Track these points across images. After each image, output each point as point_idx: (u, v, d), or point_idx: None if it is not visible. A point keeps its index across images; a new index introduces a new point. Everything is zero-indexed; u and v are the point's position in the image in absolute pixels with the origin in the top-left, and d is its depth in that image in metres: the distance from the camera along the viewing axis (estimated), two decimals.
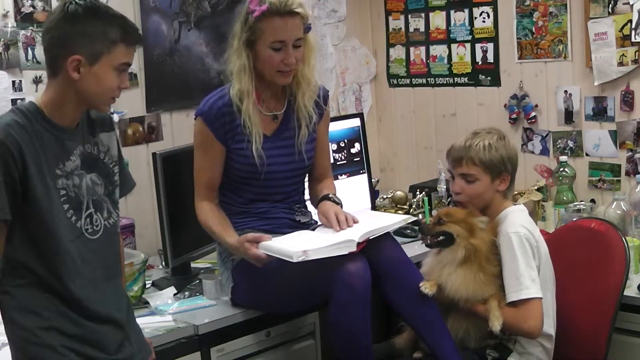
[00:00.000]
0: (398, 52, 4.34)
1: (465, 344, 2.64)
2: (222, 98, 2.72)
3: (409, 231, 3.38)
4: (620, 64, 3.47)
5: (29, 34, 3.10)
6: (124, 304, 2.21)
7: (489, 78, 3.99)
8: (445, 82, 4.17)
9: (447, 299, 2.58)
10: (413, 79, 4.30)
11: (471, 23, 4.02)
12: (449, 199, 3.69)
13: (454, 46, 4.11)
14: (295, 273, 2.51)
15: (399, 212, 3.72)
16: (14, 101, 3.00)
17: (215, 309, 2.79)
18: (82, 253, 2.07)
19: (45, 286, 2.03)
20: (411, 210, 3.77)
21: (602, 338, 2.71)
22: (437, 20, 4.15)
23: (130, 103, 3.33)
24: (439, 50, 4.17)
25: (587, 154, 3.69)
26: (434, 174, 3.91)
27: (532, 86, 3.83)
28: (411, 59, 4.29)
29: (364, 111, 4.28)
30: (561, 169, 3.63)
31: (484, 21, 3.98)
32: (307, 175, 2.92)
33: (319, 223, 2.78)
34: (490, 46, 3.98)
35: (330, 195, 2.78)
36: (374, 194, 3.88)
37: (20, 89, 3.08)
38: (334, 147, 3.67)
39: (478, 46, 4.02)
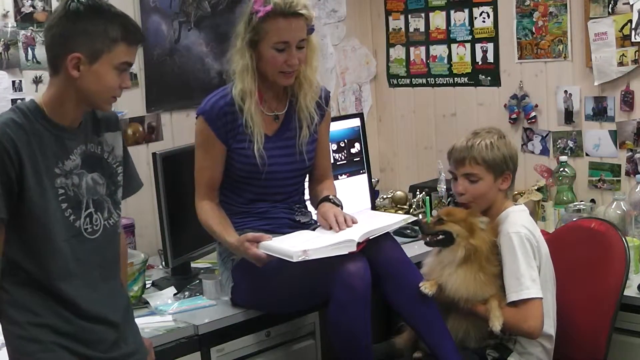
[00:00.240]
0: (398, 52, 4.34)
1: (465, 344, 2.64)
2: (224, 97, 2.72)
3: (409, 231, 3.38)
4: (620, 64, 3.47)
5: (29, 34, 3.10)
6: (120, 304, 2.19)
7: (489, 78, 3.99)
8: (445, 82, 4.17)
9: (447, 299, 2.58)
10: (413, 79, 4.30)
11: (471, 23, 4.02)
12: (449, 199, 3.69)
13: (454, 46, 4.11)
14: (295, 273, 2.51)
15: (399, 212, 3.72)
16: (14, 101, 2.99)
17: (215, 309, 2.79)
18: (78, 253, 2.07)
19: (38, 284, 2.03)
20: (411, 210, 3.76)
21: (602, 338, 2.71)
22: (437, 20, 4.15)
23: (130, 103, 3.33)
24: (439, 50, 4.17)
25: (587, 154, 3.69)
26: (434, 174, 3.91)
27: (532, 86, 3.83)
28: (411, 59, 4.29)
29: (364, 111, 4.28)
30: (561, 169, 3.64)
31: (484, 21, 3.98)
32: (307, 175, 2.92)
33: (319, 223, 2.78)
34: (490, 46, 3.98)
35: (331, 197, 2.78)
36: (374, 194, 3.88)
37: (20, 89, 3.08)
38: (334, 147, 3.67)
39: (478, 46, 4.02)
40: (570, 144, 3.73)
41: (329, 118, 2.94)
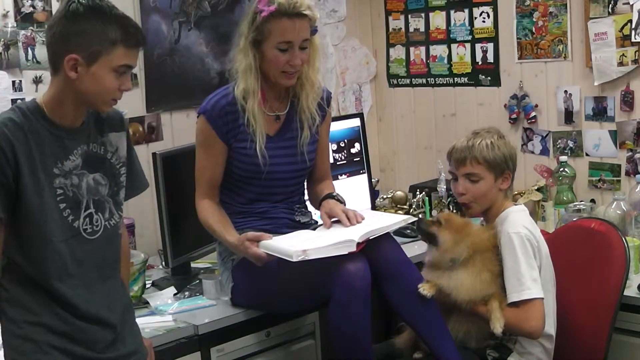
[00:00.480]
0: (398, 52, 4.34)
1: (466, 344, 2.63)
2: (225, 97, 2.72)
3: (409, 231, 3.37)
4: (620, 64, 3.47)
5: (29, 34, 3.10)
6: (119, 304, 2.19)
7: (489, 78, 3.99)
8: (445, 82, 4.17)
9: (448, 301, 2.57)
10: (413, 79, 4.30)
11: (471, 23, 4.02)
12: (449, 199, 3.69)
13: (454, 46, 4.11)
14: (295, 273, 2.51)
15: (399, 212, 3.72)
16: (14, 101, 2.99)
17: (215, 309, 2.79)
18: (76, 253, 2.07)
19: (36, 283, 2.03)
20: (411, 210, 3.77)
21: (602, 338, 2.71)
22: (437, 20, 4.15)
23: (130, 103, 3.32)
24: (439, 50, 4.17)
25: (587, 154, 3.69)
26: (434, 174, 3.91)
27: (532, 86, 3.83)
28: (411, 59, 4.29)
29: (364, 111, 4.28)
30: (561, 169, 3.63)
31: (484, 21, 3.98)
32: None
33: (319, 223, 2.78)
34: (490, 46, 3.98)
35: (335, 194, 2.79)
36: (374, 194, 3.88)
37: (20, 89, 3.08)
38: (334, 147, 3.67)
39: (478, 46, 4.02)
40: (570, 144, 3.73)
41: (329, 119, 2.94)
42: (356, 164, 3.81)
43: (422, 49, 4.24)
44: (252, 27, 2.67)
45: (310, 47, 2.72)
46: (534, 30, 3.78)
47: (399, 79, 4.35)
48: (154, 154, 3.02)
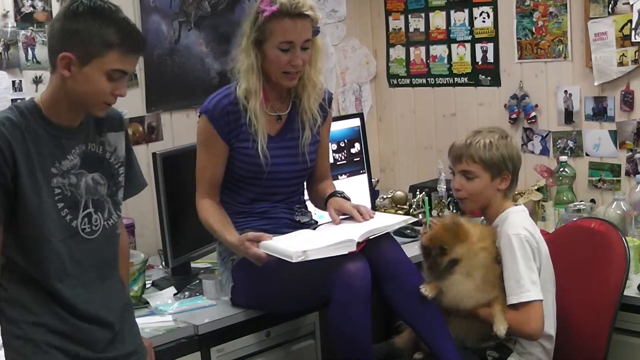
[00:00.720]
0: (398, 52, 4.34)
1: (466, 344, 2.63)
2: (227, 96, 2.72)
3: (409, 231, 3.37)
4: (620, 64, 3.47)
5: (29, 34, 3.10)
6: (117, 304, 2.18)
7: (489, 78, 3.99)
8: (445, 82, 4.17)
9: (448, 303, 2.57)
10: (413, 79, 4.30)
11: (471, 23, 4.02)
12: (449, 199, 3.69)
13: (454, 46, 4.11)
14: (295, 273, 2.51)
15: (399, 212, 3.72)
16: (13, 101, 2.99)
17: (215, 309, 2.79)
18: (74, 253, 2.06)
19: (35, 283, 2.03)
20: (411, 210, 3.77)
21: (602, 338, 2.71)
22: (437, 20, 4.15)
23: (130, 103, 3.31)
24: (439, 50, 4.17)
25: (587, 154, 3.69)
26: (434, 174, 3.91)
27: (532, 86, 3.83)
28: (411, 59, 4.29)
29: (364, 111, 4.28)
30: (561, 169, 3.63)
31: (484, 21, 3.98)
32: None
33: (319, 223, 2.78)
34: (490, 46, 3.98)
35: (340, 192, 2.79)
36: (374, 194, 3.88)
37: (20, 89, 3.08)
38: (334, 147, 3.67)
39: (478, 46, 4.02)
40: (570, 144, 3.73)
41: (330, 120, 2.95)
42: (356, 164, 3.81)
43: (422, 49, 4.24)
44: (254, 27, 2.67)
45: (312, 47, 2.72)
46: (534, 30, 3.78)
47: (399, 79, 4.35)
48: (154, 154, 3.02)
